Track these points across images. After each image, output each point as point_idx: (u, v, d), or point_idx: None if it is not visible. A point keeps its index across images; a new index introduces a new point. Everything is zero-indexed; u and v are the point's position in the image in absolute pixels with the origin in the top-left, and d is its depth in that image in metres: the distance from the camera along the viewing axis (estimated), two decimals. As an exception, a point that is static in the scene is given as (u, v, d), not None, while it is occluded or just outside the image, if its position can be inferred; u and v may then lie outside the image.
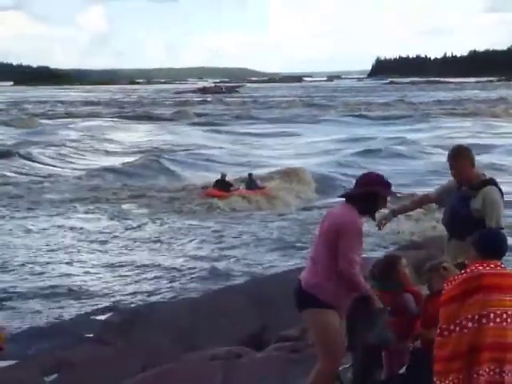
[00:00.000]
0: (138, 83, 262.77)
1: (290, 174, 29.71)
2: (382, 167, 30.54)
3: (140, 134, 54.75)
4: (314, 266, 5.49)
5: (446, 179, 6.89)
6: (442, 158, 7.86)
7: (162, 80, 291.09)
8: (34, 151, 40.99)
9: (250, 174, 27.59)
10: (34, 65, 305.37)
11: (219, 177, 26.88)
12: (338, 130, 55.56)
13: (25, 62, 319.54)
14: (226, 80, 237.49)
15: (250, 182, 26.91)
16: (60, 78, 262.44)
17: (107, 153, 44.08)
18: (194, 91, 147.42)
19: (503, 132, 51.90)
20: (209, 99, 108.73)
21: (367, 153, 39.34)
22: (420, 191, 17.47)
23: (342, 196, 5.65)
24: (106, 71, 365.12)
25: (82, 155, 42.39)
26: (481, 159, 24.49)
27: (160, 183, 31.09)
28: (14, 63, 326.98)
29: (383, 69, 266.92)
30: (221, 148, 44.62)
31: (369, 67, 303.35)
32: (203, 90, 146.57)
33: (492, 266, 4.44)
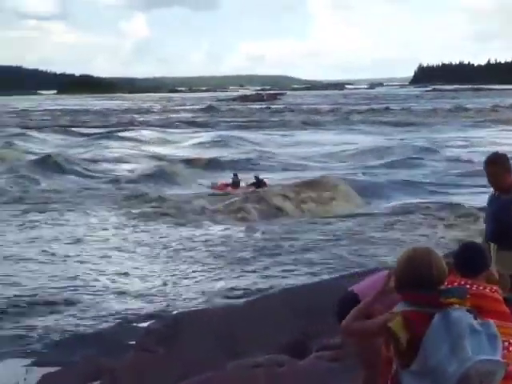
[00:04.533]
0: (179, 91, 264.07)
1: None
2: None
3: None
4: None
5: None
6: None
7: (204, 88, 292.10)
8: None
9: (256, 177, 30.87)
10: (77, 73, 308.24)
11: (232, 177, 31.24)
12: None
13: (68, 71, 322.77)
14: (268, 88, 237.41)
15: (259, 182, 30.09)
16: (102, 87, 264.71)
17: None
18: (234, 99, 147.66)
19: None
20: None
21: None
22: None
23: None
24: (148, 79, 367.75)
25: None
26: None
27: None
28: (58, 72, 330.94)
29: (426, 76, 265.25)
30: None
31: (411, 74, 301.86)
32: (244, 98, 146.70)
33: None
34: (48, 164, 38.78)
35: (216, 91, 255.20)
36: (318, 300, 10.54)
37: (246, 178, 31.51)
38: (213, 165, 39.67)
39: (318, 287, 12.17)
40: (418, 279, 3.91)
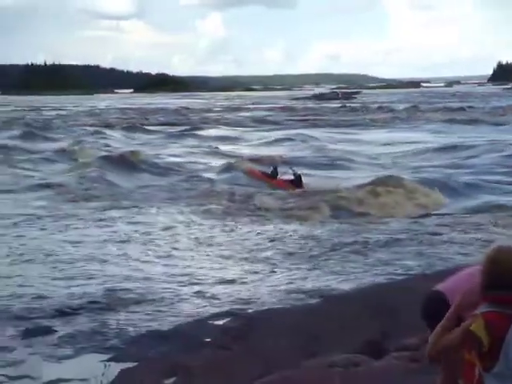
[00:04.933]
0: (254, 90, 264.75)
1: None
2: None
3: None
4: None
5: None
6: None
7: (279, 86, 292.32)
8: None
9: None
10: (153, 72, 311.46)
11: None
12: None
13: (144, 70, 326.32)
14: (343, 86, 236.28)
15: (297, 180, 30.70)
16: (178, 85, 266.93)
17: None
18: (309, 98, 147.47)
19: None
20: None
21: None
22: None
23: None
24: (223, 78, 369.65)
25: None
26: None
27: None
28: (134, 71, 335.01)
29: (505, 73, 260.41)
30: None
31: (489, 72, 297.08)
32: (319, 97, 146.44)
33: None
34: (123, 162, 39.40)
35: (291, 90, 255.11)
36: (394, 299, 10.45)
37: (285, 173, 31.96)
38: (283, 162, 39.64)
39: (393, 286, 12.09)
40: (501, 279, 3.83)
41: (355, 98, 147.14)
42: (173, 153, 47.09)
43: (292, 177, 31.06)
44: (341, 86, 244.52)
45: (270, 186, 31.01)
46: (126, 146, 50.75)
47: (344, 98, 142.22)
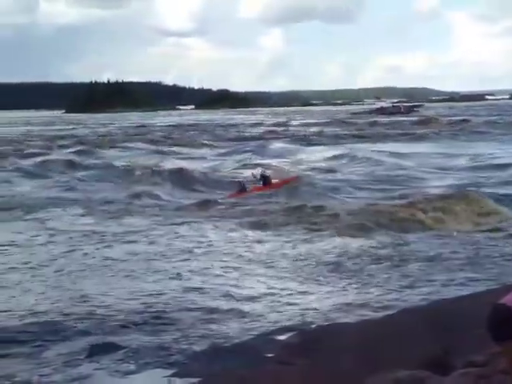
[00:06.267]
0: (314, 105, 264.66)
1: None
2: None
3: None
4: None
5: None
6: None
7: (339, 101, 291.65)
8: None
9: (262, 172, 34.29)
10: (214, 88, 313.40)
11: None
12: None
13: (206, 86, 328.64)
14: (404, 100, 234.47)
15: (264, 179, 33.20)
16: (239, 101, 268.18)
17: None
18: (370, 112, 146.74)
19: None
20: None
21: None
22: None
23: None
24: (283, 93, 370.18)
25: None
26: None
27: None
28: (196, 87, 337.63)
29: None
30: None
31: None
32: (380, 111, 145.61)
33: None
34: (179, 176, 39.93)
35: (352, 104, 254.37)
36: (459, 314, 10.31)
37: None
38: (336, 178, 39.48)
39: (458, 301, 11.93)
40: None
41: (417, 111, 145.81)
42: (231, 167, 47.31)
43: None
44: (402, 99, 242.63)
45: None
46: (184, 161, 51.25)
47: (406, 111, 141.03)
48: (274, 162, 49.27)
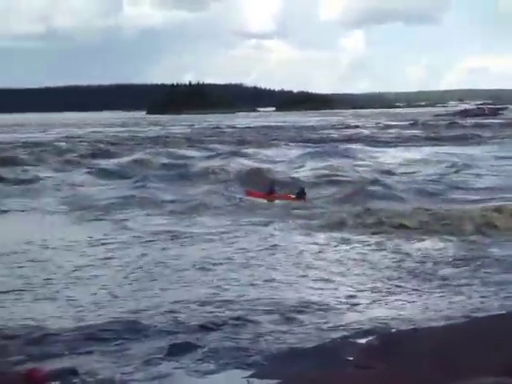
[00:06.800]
0: (397, 107, 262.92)
1: None
2: None
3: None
4: None
5: None
6: None
7: (423, 103, 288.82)
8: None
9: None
10: (295, 90, 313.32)
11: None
12: None
13: (286, 88, 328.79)
14: (489, 102, 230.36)
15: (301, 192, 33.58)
16: (319, 103, 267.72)
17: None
18: (453, 114, 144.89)
19: None
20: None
21: None
22: None
23: None
24: (365, 95, 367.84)
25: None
26: None
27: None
28: (276, 89, 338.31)
29: None
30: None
31: None
32: (464, 113, 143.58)
33: None
34: (253, 176, 40.73)
35: (435, 106, 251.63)
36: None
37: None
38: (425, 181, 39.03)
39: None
40: None
41: (502, 114, 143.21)
42: (309, 168, 47.23)
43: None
44: (486, 101, 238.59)
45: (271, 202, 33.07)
46: (261, 163, 51.44)
47: (491, 114, 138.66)
48: (346, 162, 48.99)
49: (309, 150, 60.48)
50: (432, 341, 10.38)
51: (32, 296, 16.79)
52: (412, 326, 12.89)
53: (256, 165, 47.85)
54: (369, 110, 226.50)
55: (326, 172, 42.47)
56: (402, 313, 14.85)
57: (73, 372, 10.89)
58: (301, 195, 33.25)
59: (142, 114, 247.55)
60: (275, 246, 22.32)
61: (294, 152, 60.21)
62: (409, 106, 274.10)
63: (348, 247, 22.15)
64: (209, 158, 55.09)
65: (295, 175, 42.74)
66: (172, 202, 33.02)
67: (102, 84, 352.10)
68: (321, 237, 23.89)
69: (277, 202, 32.92)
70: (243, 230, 25.02)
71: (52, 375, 10.32)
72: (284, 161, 53.57)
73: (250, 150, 60.98)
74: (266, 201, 33.07)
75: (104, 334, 13.53)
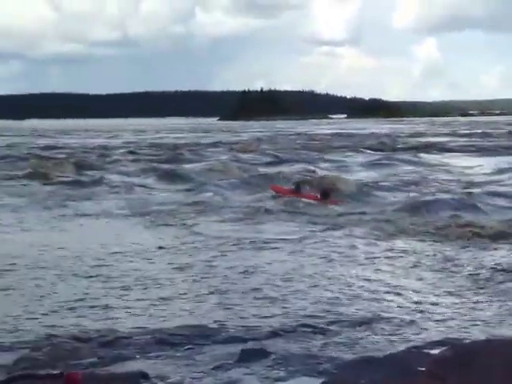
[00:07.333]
0: (470, 115, 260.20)
1: None
2: None
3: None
4: None
5: None
6: None
7: (497, 111, 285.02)
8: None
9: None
10: (367, 97, 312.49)
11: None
12: None
13: (358, 95, 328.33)
14: None
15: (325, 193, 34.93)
16: (391, 111, 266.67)
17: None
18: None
19: None
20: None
21: None
22: None
23: None
24: (437, 103, 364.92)
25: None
26: None
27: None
28: (348, 96, 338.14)
29: None
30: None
31: None
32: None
33: None
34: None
35: (510, 115, 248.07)
36: None
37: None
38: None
39: None
40: None
41: None
42: (386, 177, 46.99)
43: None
44: None
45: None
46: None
47: None
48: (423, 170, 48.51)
49: (380, 157, 60.27)
50: (507, 352, 10.19)
51: (109, 301, 16.81)
52: (486, 337, 12.69)
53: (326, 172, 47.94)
54: (442, 118, 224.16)
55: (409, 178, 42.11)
56: (476, 323, 14.64)
57: (144, 376, 10.96)
58: (325, 197, 34.42)
59: (213, 119, 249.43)
60: (342, 253, 22.19)
61: (372, 158, 60.35)
62: (482, 114, 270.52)
63: (420, 255, 21.92)
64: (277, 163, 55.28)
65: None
66: (239, 206, 33.16)
67: (178, 90, 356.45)
68: (393, 245, 23.69)
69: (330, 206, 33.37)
70: (316, 237, 24.89)
71: (123, 378, 10.42)
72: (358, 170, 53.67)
73: (323, 156, 61.13)
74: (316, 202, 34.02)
75: (174, 339, 13.58)
